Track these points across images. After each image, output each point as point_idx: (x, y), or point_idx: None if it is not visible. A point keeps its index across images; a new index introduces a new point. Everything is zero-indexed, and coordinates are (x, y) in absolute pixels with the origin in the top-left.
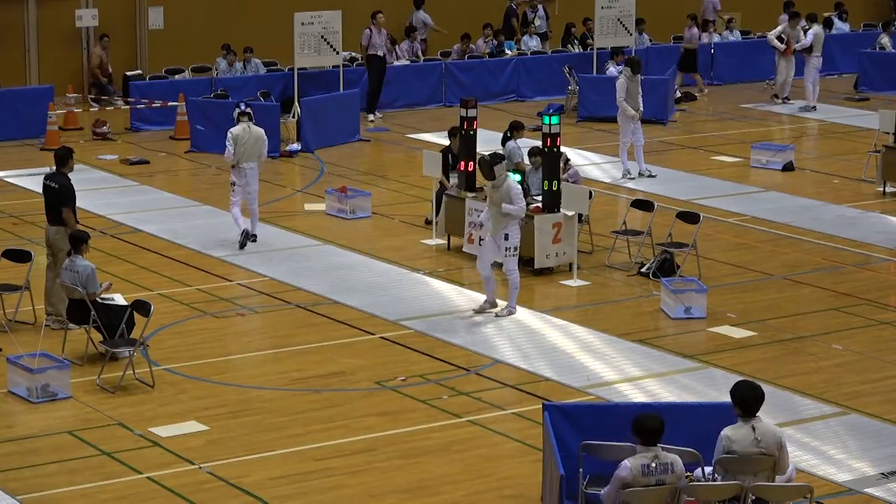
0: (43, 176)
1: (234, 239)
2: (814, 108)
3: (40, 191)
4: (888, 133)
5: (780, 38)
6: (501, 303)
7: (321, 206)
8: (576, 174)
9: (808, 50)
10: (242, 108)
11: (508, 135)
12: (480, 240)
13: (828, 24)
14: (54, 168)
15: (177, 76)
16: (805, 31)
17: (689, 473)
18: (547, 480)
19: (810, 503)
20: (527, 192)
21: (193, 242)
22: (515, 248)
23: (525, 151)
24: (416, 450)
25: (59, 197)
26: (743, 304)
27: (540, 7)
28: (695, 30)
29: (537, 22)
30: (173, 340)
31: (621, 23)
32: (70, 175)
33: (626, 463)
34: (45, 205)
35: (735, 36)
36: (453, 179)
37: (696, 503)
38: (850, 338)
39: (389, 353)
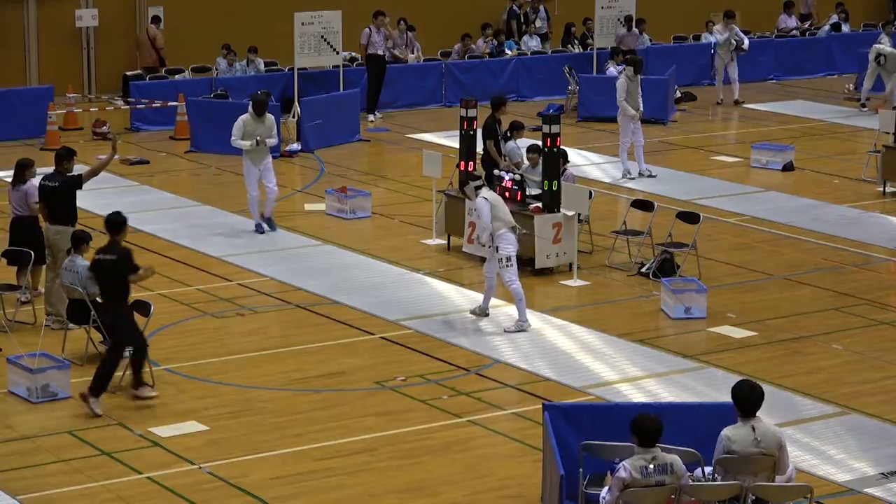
0: (41, 177)
1: (235, 239)
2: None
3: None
4: (888, 133)
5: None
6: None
7: (321, 206)
8: (569, 176)
9: (742, 49)
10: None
11: (508, 135)
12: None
13: (836, 27)
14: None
15: (177, 76)
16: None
17: (688, 473)
18: (547, 480)
19: (810, 503)
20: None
21: (194, 242)
22: (509, 259)
23: (524, 150)
24: (416, 450)
25: (61, 192)
26: (743, 304)
27: (542, 8)
28: (623, 30)
29: (538, 23)
30: (173, 340)
31: (621, 23)
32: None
33: (625, 464)
34: (43, 206)
35: None
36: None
37: (696, 503)
38: (850, 338)
39: (389, 353)
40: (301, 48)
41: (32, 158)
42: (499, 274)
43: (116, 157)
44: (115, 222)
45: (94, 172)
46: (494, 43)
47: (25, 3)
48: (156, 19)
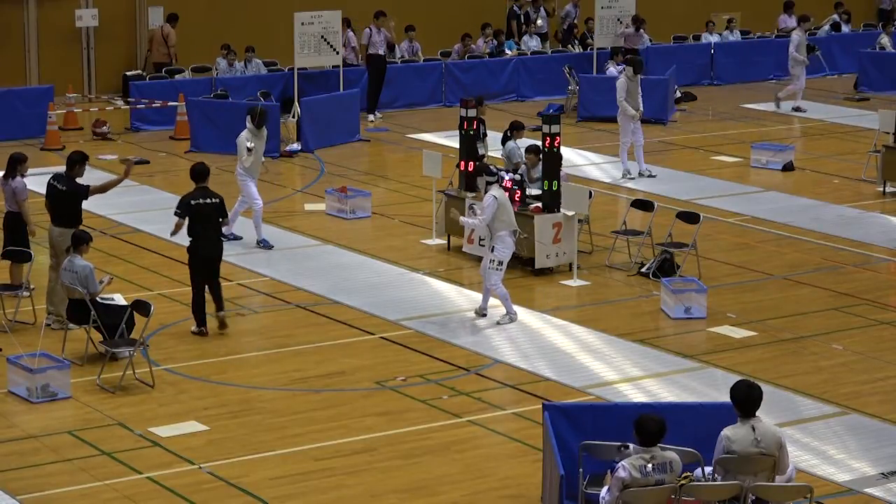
0: (50, 176)
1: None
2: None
3: (41, 191)
4: (888, 133)
5: None
6: (494, 312)
7: (321, 206)
8: (563, 176)
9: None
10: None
11: (508, 135)
12: (480, 239)
13: (836, 27)
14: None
15: (177, 76)
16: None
17: (688, 473)
18: (547, 480)
19: (810, 503)
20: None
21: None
22: (500, 263)
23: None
24: (416, 450)
25: (67, 197)
26: (743, 304)
27: (542, 8)
28: (630, 30)
29: (539, 22)
30: (173, 340)
31: (621, 22)
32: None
33: (624, 464)
34: (49, 206)
35: (735, 36)
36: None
37: (697, 503)
38: (850, 338)
39: (389, 353)
40: (301, 48)
41: (27, 154)
42: (486, 273)
43: (115, 157)
44: (202, 171)
45: (101, 190)
46: (494, 43)
47: (25, 3)
48: (172, 17)
